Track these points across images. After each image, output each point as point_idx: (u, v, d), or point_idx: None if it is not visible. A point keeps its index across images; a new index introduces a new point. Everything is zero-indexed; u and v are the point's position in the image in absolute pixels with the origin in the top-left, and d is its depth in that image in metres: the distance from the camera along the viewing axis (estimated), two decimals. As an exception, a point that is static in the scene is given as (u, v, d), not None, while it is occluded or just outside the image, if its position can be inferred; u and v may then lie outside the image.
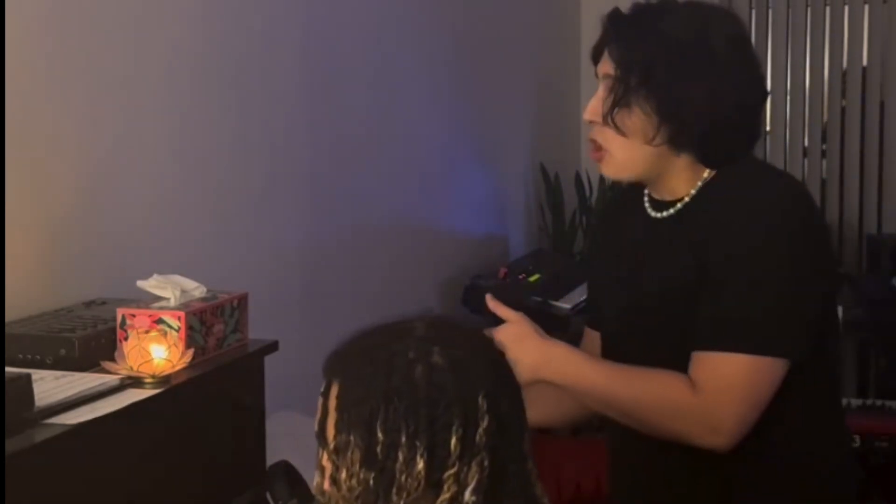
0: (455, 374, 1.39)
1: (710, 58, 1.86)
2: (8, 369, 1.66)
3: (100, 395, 1.76)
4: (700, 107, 1.85)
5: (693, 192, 1.93)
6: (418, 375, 1.39)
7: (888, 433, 3.74)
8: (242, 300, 2.12)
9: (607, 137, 1.91)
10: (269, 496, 2.05)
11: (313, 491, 1.47)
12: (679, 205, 1.94)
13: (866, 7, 5.00)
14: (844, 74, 5.05)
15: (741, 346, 1.80)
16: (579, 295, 3.70)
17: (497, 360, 1.47)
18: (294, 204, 2.98)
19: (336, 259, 3.18)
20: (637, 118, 1.87)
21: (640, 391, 1.85)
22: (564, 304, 3.75)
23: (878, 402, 3.93)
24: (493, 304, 1.96)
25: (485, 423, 1.38)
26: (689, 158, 1.91)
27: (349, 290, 3.21)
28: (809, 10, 5.02)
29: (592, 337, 2.11)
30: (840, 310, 3.86)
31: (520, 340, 1.89)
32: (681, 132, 1.87)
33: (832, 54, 5.03)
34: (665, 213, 1.95)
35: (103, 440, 1.70)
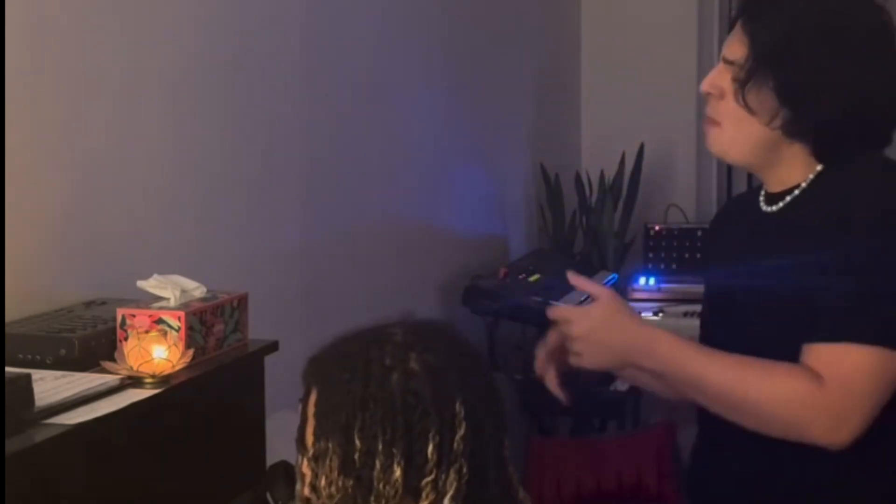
0: (432, 381, 1.38)
1: (843, 48, 1.81)
2: (8, 369, 1.66)
3: (100, 395, 1.76)
4: (823, 98, 1.81)
5: (804, 184, 1.88)
6: (394, 382, 1.38)
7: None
8: (242, 300, 2.12)
9: (723, 112, 1.88)
10: (269, 496, 2.06)
11: (296, 498, 1.47)
12: (789, 197, 1.89)
13: (866, 7, 5.00)
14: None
15: (866, 336, 1.72)
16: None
17: (475, 365, 1.47)
18: (294, 204, 2.98)
19: (336, 259, 3.18)
20: (758, 97, 1.84)
21: (757, 382, 1.77)
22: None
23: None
24: (575, 279, 1.90)
25: (462, 431, 1.37)
26: (801, 148, 1.87)
27: (349, 291, 3.21)
28: (809, 10, 5.02)
29: None
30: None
31: (612, 322, 1.82)
32: (798, 120, 1.83)
33: (832, 54, 5.03)
34: (776, 207, 1.91)
35: (103, 440, 1.70)
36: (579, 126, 5.11)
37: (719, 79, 1.89)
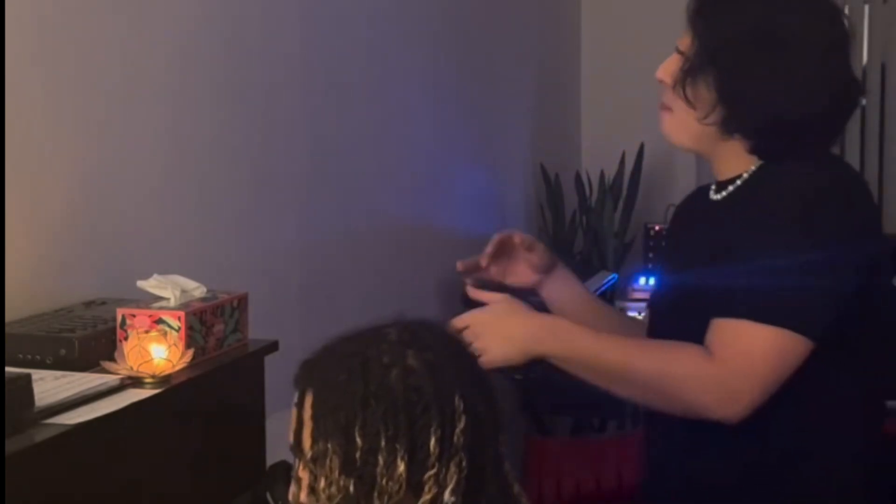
0: (431, 376, 1.39)
1: (784, 53, 1.84)
2: (8, 369, 1.66)
3: (100, 395, 1.76)
4: (758, 99, 1.85)
5: (746, 175, 1.92)
6: (394, 379, 1.38)
7: (888, 433, 3.73)
8: (242, 300, 2.12)
9: (673, 99, 1.94)
10: (269, 496, 2.05)
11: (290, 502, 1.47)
12: (731, 187, 1.94)
13: (866, 7, 5.00)
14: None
15: (768, 317, 1.76)
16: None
17: (471, 362, 1.48)
18: (294, 204, 2.98)
19: (336, 259, 3.18)
20: (697, 92, 1.89)
21: (654, 361, 1.82)
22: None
23: (879, 402, 3.92)
24: (474, 293, 1.96)
25: (462, 424, 1.38)
26: (739, 144, 1.91)
27: (349, 291, 3.21)
28: (809, 10, 5.02)
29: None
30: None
31: (507, 317, 1.88)
32: (733, 118, 1.87)
33: (832, 54, 5.03)
34: (720, 196, 1.96)
35: (103, 440, 1.70)
36: (579, 126, 5.11)
37: (672, 67, 1.95)
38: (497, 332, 1.88)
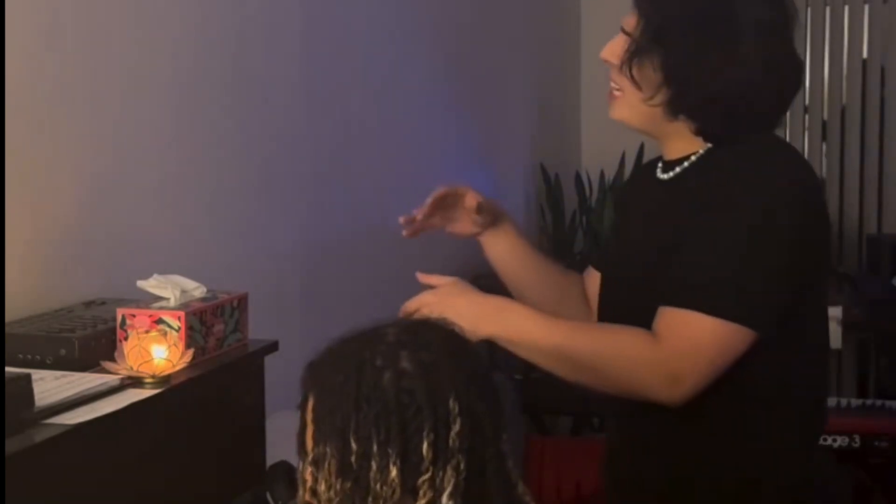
0: (424, 379, 1.38)
1: (728, 34, 1.85)
2: (8, 369, 1.66)
3: (100, 395, 1.76)
4: (702, 79, 1.85)
5: (694, 157, 1.93)
6: (387, 382, 1.38)
7: (888, 433, 3.74)
8: (242, 300, 2.12)
9: (620, 80, 1.94)
10: (269, 496, 2.05)
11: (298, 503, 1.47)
12: (678, 168, 1.94)
13: (866, 7, 5.00)
14: (844, 74, 5.05)
15: (714, 308, 1.79)
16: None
17: (471, 361, 1.46)
18: (294, 204, 2.98)
19: (336, 259, 3.18)
20: (643, 73, 1.90)
21: (599, 343, 1.84)
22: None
23: (878, 403, 3.93)
24: (423, 277, 1.97)
25: (457, 427, 1.37)
26: (685, 126, 1.91)
27: (349, 290, 3.21)
28: (809, 10, 5.02)
29: (593, 276, 2.14)
30: (840, 310, 3.90)
31: (455, 297, 1.89)
32: (678, 98, 1.88)
33: (832, 54, 5.03)
34: (668, 175, 1.96)
35: (103, 440, 1.70)
36: (579, 126, 5.11)
37: (617, 48, 1.95)
38: (446, 312, 1.88)
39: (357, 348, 1.42)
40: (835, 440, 3.66)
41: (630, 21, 1.94)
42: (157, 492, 1.84)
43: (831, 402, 3.78)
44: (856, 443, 3.69)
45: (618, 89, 1.96)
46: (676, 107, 1.89)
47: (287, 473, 2.00)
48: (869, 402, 3.97)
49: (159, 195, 2.47)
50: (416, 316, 1.85)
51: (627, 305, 1.93)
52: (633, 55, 1.90)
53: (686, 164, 1.94)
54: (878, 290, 4.37)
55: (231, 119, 2.72)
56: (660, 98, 1.89)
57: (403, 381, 1.37)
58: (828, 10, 5.02)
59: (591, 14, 5.05)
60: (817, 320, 1.95)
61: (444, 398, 1.38)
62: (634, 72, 1.90)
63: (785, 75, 1.91)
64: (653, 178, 2.01)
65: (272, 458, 2.13)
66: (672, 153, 1.97)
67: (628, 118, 1.97)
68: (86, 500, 1.68)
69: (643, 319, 1.85)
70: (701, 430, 1.88)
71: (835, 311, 3.91)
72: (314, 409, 1.41)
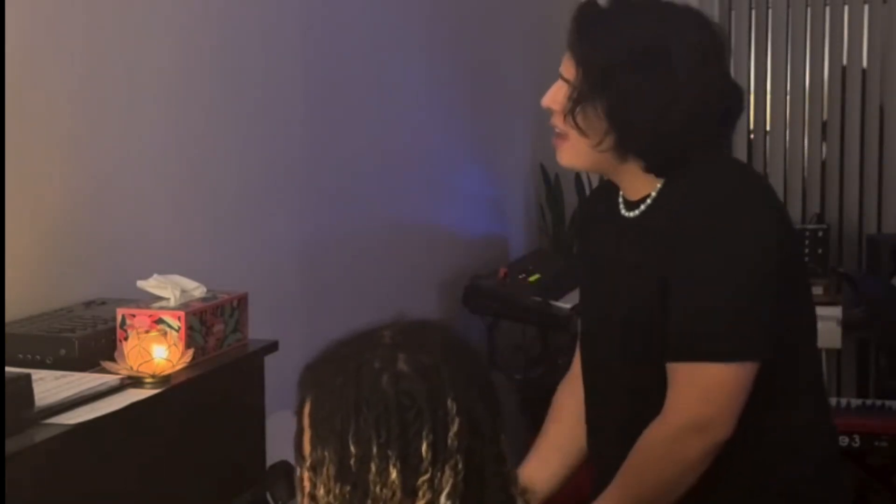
0: (422, 380, 1.38)
1: (666, 71, 1.84)
2: (8, 369, 1.66)
3: (100, 395, 1.76)
4: (648, 120, 1.85)
5: (654, 193, 1.93)
6: (385, 384, 1.37)
7: (888, 433, 3.74)
8: (242, 300, 2.12)
9: (565, 126, 1.92)
10: (269, 496, 2.05)
11: None
12: (643, 206, 1.94)
13: (866, 7, 5.00)
14: (844, 74, 5.04)
15: (716, 355, 1.82)
16: (579, 295, 3.70)
17: (470, 361, 1.46)
18: (294, 204, 2.98)
19: (336, 259, 3.18)
20: (587, 119, 1.88)
21: (642, 471, 1.87)
22: (564, 305, 3.75)
23: (878, 403, 3.93)
24: None
25: (455, 427, 1.37)
26: (636, 165, 1.91)
27: (349, 290, 3.21)
28: (809, 10, 5.02)
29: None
30: (840, 310, 3.90)
31: None
32: (624, 142, 1.88)
33: (832, 54, 5.03)
34: (632, 214, 1.95)
35: (103, 440, 1.70)
36: (579, 126, 5.10)
37: (559, 95, 1.94)
38: None
39: (355, 351, 1.42)
40: (835, 440, 3.65)
41: (568, 67, 1.94)
42: (157, 492, 1.84)
43: (831, 402, 3.78)
44: (856, 443, 3.69)
45: (563, 135, 1.94)
46: (624, 149, 1.89)
47: (287, 473, 2.00)
48: (869, 402, 3.97)
49: (159, 195, 2.47)
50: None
51: (618, 353, 1.93)
52: (576, 103, 1.89)
53: (649, 200, 1.93)
54: (878, 289, 4.37)
55: (231, 119, 2.72)
56: (607, 143, 1.88)
57: (403, 383, 1.37)
58: (827, 10, 5.02)
59: (591, 14, 5.04)
60: (809, 315, 1.97)
61: (442, 399, 1.37)
62: (579, 120, 1.89)
63: (725, 100, 1.92)
64: (616, 216, 1.99)
65: (272, 458, 2.13)
66: (632, 192, 1.95)
67: (579, 164, 1.98)
68: (86, 500, 1.68)
69: (634, 369, 1.89)
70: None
71: (835, 311, 3.91)
72: (311, 413, 1.41)
